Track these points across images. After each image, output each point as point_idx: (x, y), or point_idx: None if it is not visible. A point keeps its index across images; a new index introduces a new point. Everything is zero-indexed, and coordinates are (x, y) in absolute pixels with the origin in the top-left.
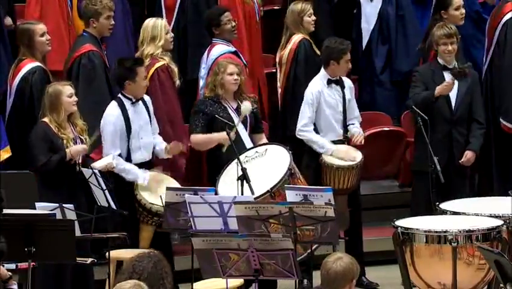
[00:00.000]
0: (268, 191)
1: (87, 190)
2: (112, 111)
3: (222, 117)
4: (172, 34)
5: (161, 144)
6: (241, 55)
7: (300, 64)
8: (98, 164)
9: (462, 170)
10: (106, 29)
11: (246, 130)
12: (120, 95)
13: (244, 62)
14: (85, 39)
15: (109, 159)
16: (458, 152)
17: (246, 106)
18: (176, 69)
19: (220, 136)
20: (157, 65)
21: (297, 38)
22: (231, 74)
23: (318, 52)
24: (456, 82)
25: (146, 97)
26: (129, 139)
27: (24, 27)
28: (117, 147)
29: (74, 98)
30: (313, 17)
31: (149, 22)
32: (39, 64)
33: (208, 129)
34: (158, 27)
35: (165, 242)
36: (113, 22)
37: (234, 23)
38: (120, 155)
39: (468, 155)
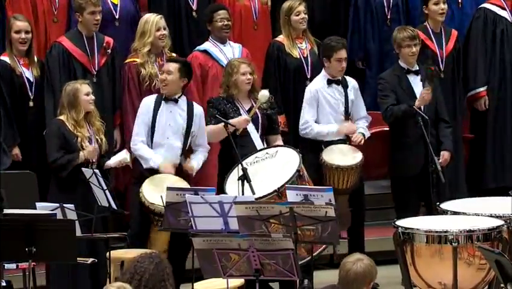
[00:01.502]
0: (275, 191)
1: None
2: (147, 99)
3: (232, 118)
4: (164, 32)
5: (192, 160)
6: (216, 55)
7: (268, 67)
8: (112, 161)
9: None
10: (91, 25)
11: (258, 131)
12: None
13: (223, 64)
14: (68, 33)
15: (123, 154)
16: (433, 152)
17: (263, 94)
18: (147, 71)
19: (238, 120)
20: (129, 59)
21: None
22: (244, 74)
23: (294, 55)
24: (420, 84)
25: (198, 109)
26: (153, 133)
27: (9, 19)
28: (142, 135)
29: (92, 96)
30: (302, 15)
31: (144, 17)
32: (4, 57)
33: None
34: (149, 23)
35: (183, 243)
36: (98, 18)
37: (226, 22)
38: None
39: (445, 156)
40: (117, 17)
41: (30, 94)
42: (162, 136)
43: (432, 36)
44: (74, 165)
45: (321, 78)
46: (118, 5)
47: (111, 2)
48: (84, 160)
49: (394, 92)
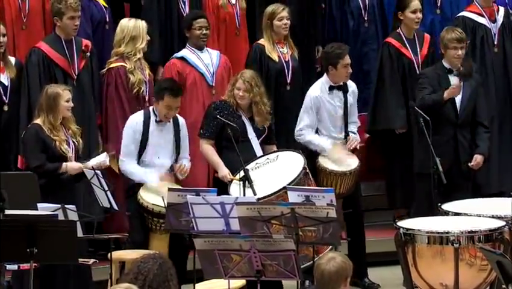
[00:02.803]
0: (284, 188)
1: (74, 193)
2: (134, 117)
3: (234, 122)
4: (149, 37)
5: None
6: (193, 61)
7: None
8: (93, 162)
9: (466, 173)
10: (70, 29)
11: (258, 140)
12: (150, 107)
13: (201, 70)
14: (46, 38)
15: (103, 157)
16: (463, 154)
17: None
18: (136, 77)
19: (222, 172)
20: (115, 64)
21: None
22: (238, 89)
23: (274, 58)
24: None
25: (181, 120)
26: (142, 151)
27: None
28: (132, 154)
29: (71, 104)
30: (285, 21)
31: (129, 22)
32: None
33: (217, 136)
34: (139, 28)
35: (181, 244)
36: (77, 23)
37: (205, 31)
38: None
39: (478, 159)
40: (107, 20)
41: (4, 98)
42: (154, 156)
43: (406, 43)
44: (55, 174)
45: (322, 84)
46: (109, 8)
47: (102, 5)
48: (64, 171)
49: (433, 87)
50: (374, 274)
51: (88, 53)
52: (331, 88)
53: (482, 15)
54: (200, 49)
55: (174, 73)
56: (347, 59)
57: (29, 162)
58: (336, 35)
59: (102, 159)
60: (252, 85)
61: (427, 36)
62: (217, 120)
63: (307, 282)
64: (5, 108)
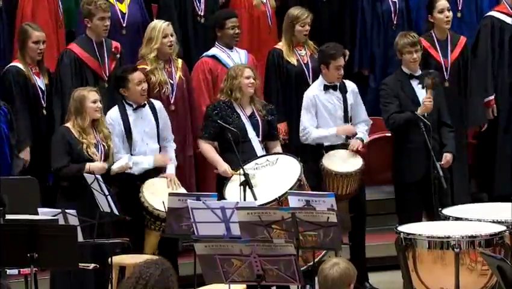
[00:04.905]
0: (276, 199)
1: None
2: (110, 114)
3: (233, 123)
4: (172, 39)
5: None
6: (225, 60)
7: (269, 75)
8: (115, 166)
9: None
10: (100, 30)
11: (258, 137)
12: (123, 100)
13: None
14: (77, 39)
15: (125, 160)
16: (436, 158)
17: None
18: (157, 78)
19: (222, 167)
20: (139, 66)
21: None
22: (248, 77)
23: (293, 62)
24: (424, 90)
25: (157, 104)
26: (131, 144)
27: (23, 28)
28: (121, 149)
29: (99, 104)
30: (307, 27)
31: (152, 23)
32: (17, 64)
33: (217, 136)
34: (156, 30)
35: (172, 248)
36: (108, 23)
37: (238, 30)
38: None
39: (448, 157)
40: (124, 25)
41: (43, 102)
42: (142, 144)
43: (436, 44)
44: (79, 175)
45: (318, 84)
46: (126, 14)
47: (119, 10)
48: (88, 171)
49: (397, 98)
50: (375, 279)
51: (118, 55)
52: (326, 88)
53: (510, 15)
54: (230, 48)
55: (207, 70)
56: (339, 61)
57: (53, 164)
58: (365, 37)
59: (124, 162)
60: (254, 70)
61: (462, 39)
62: (216, 123)
63: (308, 287)
64: (44, 112)
